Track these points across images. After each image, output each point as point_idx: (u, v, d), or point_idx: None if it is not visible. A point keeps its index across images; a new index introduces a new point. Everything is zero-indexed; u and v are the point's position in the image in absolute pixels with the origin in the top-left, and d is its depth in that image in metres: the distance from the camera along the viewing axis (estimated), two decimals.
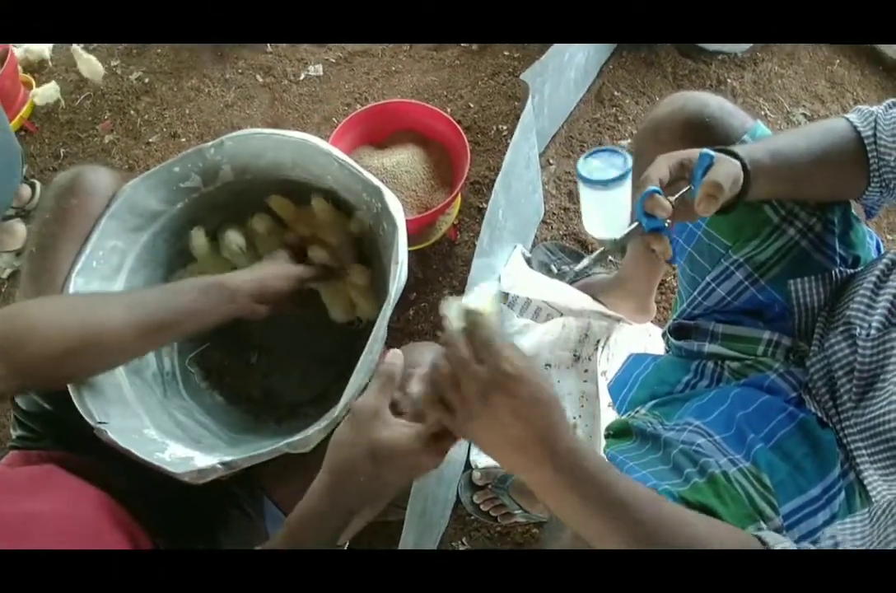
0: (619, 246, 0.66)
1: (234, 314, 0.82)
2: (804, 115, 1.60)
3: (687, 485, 0.65)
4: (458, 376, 0.52)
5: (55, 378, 0.74)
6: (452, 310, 0.53)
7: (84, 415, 0.76)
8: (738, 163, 0.64)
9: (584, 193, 0.63)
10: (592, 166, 0.61)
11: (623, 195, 0.62)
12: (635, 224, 0.65)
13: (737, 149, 0.67)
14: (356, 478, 0.55)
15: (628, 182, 0.61)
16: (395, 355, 0.62)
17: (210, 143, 0.93)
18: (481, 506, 1.12)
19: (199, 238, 0.97)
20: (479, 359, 0.51)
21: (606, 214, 0.65)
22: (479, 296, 0.56)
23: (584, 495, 0.51)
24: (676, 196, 0.64)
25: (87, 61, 1.71)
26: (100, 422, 0.75)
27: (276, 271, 0.88)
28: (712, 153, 0.64)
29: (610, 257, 0.67)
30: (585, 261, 0.65)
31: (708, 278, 0.83)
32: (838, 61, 1.68)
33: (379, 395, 0.58)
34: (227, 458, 0.71)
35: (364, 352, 0.73)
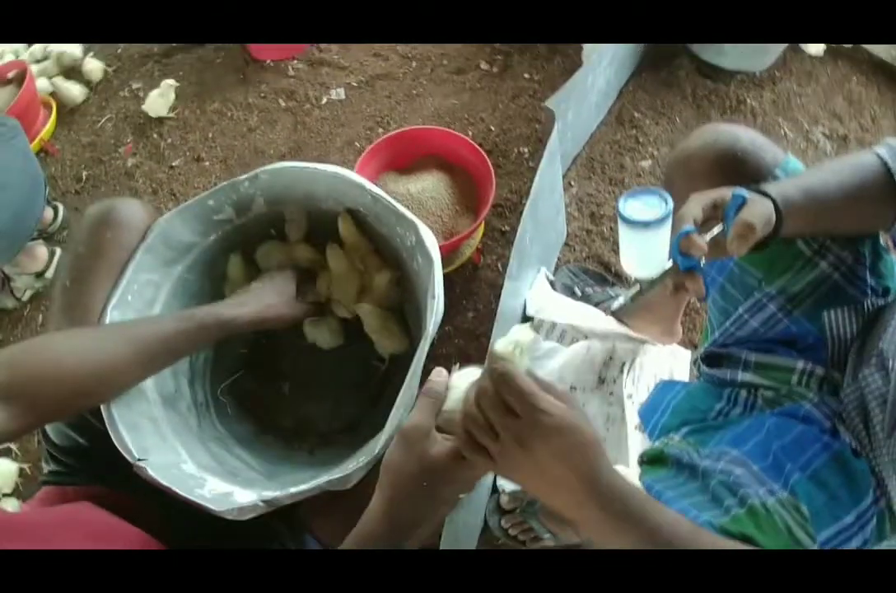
0: (654, 285, 0.66)
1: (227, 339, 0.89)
2: (823, 133, 1.60)
3: (727, 516, 0.66)
4: (495, 426, 0.53)
5: (64, 414, 0.78)
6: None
7: (123, 452, 0.76)
8: (770, 203, 0.65)
9: (624, 233, 0.63)
10: (633, 207, 0.62)
11: (662, 236, 0.62)
12: (671, 264, 0.65)
13: (768, 188, 0.67)
14: (412, 499, 0.55)
15: (668, 223, 0.61)
16: (438, 373, 0.62)
17: (244, 176, 0.94)
18: (509, 531, 1.12)
19: (235, 264, 0.99)
20: (513, 413, 0.52)
21: (645, 254, 0.65)
22: (509, 340, 0.56)
23: (624, 530, 0.51)
24: (710, 235, 0.64)
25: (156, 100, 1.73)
26: (139, 460, 0.75)
27: (279, 305, 0.93)
28: (745, 193, 0.64)
29: (644, 296, 0.68)
30: (622, 299, 0.66)
31: (741, 310, 0.83)
32: (855, 79, 1.68)
33: (425, 415, 0.58)
34: (268, 495, 0.71)
35: (403, 388, 0.73)
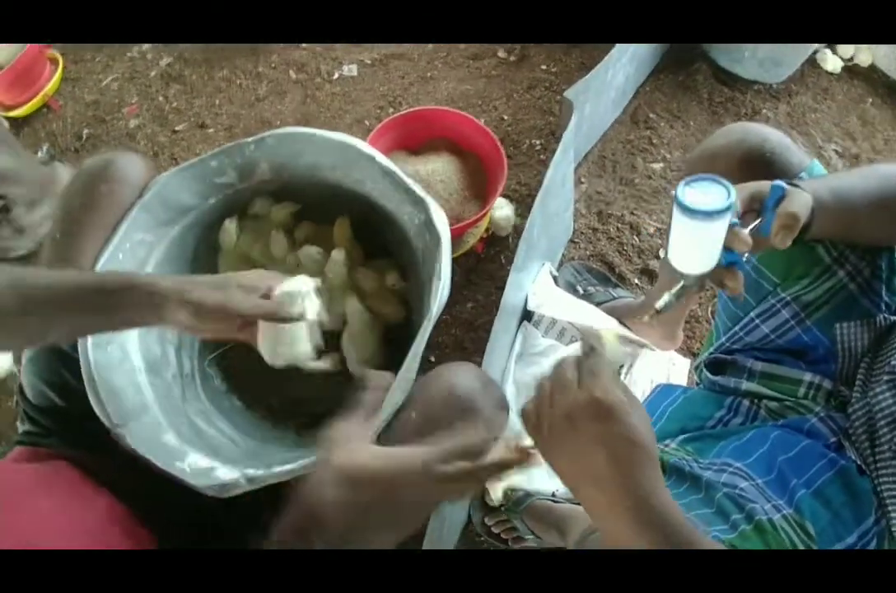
0: (700, 282, 0.63)
1: (160, 323, 0.68)
2: (836, 151, 1.59)
3: (735, 533, 0.64)
4: (554, 395, 0.52)
5: None
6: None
7: (101, 418, 0.72)
8: (808, 195, 0.63)
9: (681, 224, 0.58)
10: (692, 195, 0.57)
11: (721, 229, 0.58)
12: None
13: (802, 184, 0.65)
14: (330, 511, 0.47)
15: (729, 215, 0.57)
16: (383, 377, 0.59)
17: (251, 139, 0.90)
18: (493, 528, 1.10)
19: (230, 229, 0.95)
20: (581, 384, 0.51)
21: (702, 248, 0.60)
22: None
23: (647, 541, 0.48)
24: (750, 228, 0.61)
25: None
26: (118, 426, 0.72)
27: (224, 292, 0.69)
28: (784, 185, 0.62)
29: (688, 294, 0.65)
30: (667, 297, 0.62)
31: (752, 314, 0.81)
32: (871, 100, 1.67)
33: (360, 421, 0.53)
34: (252, 473, 0.68)
35: (401, 370, 0.70)
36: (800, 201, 0.61)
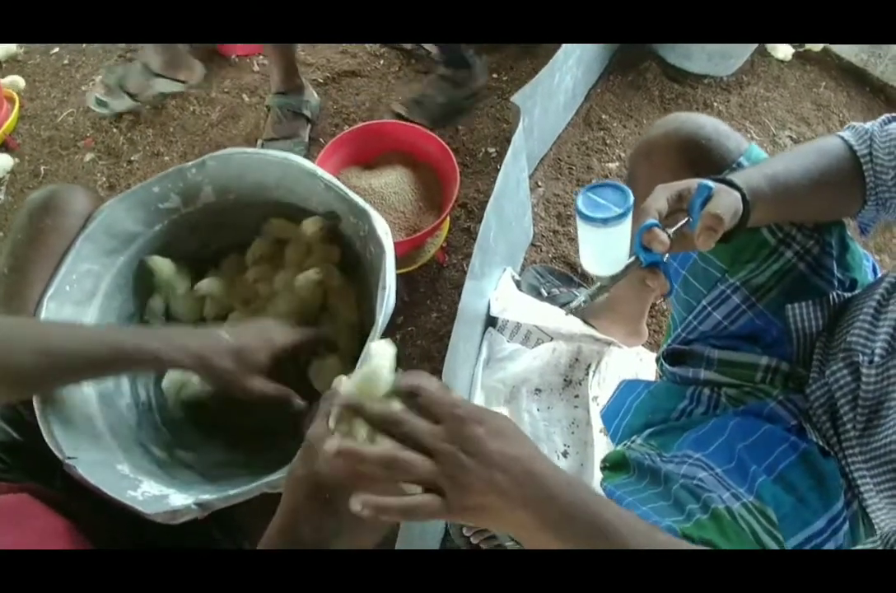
0: (615, 281, 0.64)
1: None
2: (790, 137, 1.61)
3: (690, 522, 0.63)
4: (425, 444, 0.46)
5: None
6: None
7: (53, 449, 0.72)
8: (737, 194, 0.62)
9: (583, 229, 0.60)
10: (592, 201, 0.59)
11: (623, 233, 0.59)
12: (632, 259, 0.63)
13: (734, 177, 0.65)
14: (311, 514, 0.49)
15: (629, 220, 0.58)
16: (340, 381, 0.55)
17: (191, 163, 0.90)
18: (471, 539, 1.08)
19: (161, 264, 0.95)
20: (434, 420, 0.47)
21: (604, 251, 0.61)
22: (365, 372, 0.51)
23: (576, 522, 0.46)
24: (674, 228, 0.62)
25: None
26: (69, 457, 0.71)
27: (232, 373, 0.78)
28: (711, 184, 0.62)
29: (605, 293, 0.65)
30: (582, 297, 0.63)
31: (704, 302, 0.81)
32: (824, 83, 1.69)
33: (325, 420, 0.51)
34: (203, 498, 0.67)
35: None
36: (726, 202, 0.60)
